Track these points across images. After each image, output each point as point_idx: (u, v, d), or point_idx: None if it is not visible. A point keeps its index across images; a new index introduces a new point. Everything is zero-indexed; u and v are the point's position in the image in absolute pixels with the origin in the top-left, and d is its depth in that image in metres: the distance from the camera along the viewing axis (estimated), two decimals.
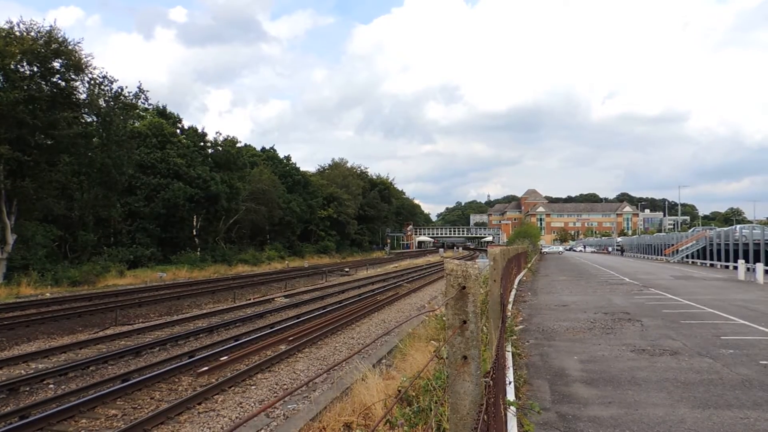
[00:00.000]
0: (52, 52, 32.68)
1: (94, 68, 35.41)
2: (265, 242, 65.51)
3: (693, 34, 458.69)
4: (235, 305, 23.53)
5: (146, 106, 41.77)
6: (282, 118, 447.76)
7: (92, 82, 35.49)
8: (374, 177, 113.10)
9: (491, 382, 2.81)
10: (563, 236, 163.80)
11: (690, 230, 68.07)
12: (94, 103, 35.59)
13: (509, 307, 13.61)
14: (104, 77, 36.32)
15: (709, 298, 19.45)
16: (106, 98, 36.84)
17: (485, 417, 2.39)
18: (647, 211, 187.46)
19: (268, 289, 32.09)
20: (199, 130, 57.19)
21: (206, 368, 11.83)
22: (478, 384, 2.42)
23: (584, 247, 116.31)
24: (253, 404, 9.79)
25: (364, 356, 12.56)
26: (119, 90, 37.86)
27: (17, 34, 32.15)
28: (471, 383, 2.40)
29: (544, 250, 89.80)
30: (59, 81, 34.05)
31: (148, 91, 40.33)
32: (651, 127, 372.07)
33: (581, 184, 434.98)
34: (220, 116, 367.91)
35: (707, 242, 47.04)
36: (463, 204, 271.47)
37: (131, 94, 39.24)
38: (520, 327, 13.26)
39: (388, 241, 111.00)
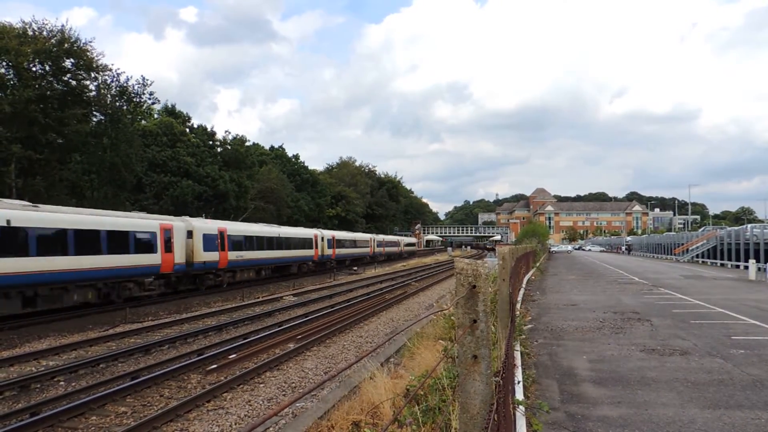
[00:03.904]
0: (64, 52, 32.92)
1: (103, 65, 35.61)
2: None
3: (703, 33, 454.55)
4: (243, 303, 23.62)
5: (151, 100, 41.35)
6: (290, 117, 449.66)
7: (100, 79, 35.67)
8: (382, 176, 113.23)
9: (501, 381, 2.80)
10: (572, 235, 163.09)
11: (700, 229, 67.49)
12: (102, 99, 35.73)
13: (518, 306, 13.57)
14: (109, 70, 36.31)
15: (719, 298, 19.28)
16: (113, 93, 36.87)
17: (495, 417, 2.38)
18: (657, 210, 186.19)
19: (276, 287, 32.18)
20: (209, 129, 57.55)
21: (215, 366, 11.89)
22: (489, 383, 2.41)
23: (609, 247, 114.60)
24: (261, 402, 9.82)
25: (372, 355, 12.56)
26: (126, 81, 37.83)
27: (30, 33, 32.40)
28: (481, 382, 2.39)
29: (553, 249, 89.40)
30: (70, 80, 34.30)
31: (152, 82, 40.31)
32: (660, 125, 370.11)
33: (590, 183, 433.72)
34: (229, 115, 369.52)
35: (717, 242, 46.63)
36: (471, 203, 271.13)
37: (136, 85, 39.12)
38: (529, 326, 13.21)
39: None
